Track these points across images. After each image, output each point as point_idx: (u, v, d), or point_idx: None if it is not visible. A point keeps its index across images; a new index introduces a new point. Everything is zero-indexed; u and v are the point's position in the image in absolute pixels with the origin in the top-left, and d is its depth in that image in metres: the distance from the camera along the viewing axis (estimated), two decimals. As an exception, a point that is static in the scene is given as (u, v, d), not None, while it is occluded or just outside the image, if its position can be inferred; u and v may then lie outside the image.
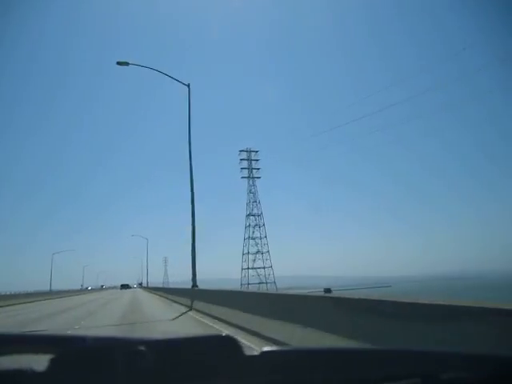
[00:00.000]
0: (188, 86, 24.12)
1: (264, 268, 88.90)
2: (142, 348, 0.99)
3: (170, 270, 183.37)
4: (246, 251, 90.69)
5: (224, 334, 1.10)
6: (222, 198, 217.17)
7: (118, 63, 23.03)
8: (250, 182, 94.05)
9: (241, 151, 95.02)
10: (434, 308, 4.03)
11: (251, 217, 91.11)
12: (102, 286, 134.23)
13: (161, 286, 78.83)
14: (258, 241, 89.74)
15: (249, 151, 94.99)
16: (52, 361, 0.96)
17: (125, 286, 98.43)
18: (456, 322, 3.52)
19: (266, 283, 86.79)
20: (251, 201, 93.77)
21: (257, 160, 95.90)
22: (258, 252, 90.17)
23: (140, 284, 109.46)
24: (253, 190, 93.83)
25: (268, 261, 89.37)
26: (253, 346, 1.13)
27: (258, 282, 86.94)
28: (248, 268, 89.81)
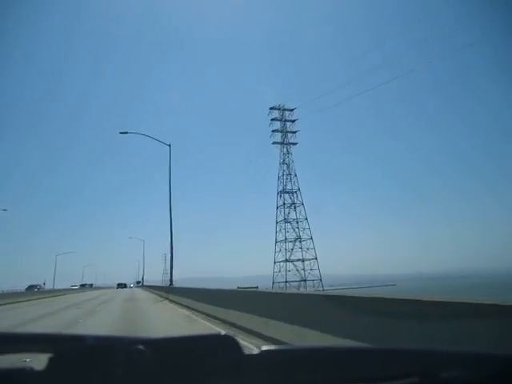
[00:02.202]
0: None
1: (304, 261, 70.26)
2: (141, 347, 0.99)
3: (168, 268, 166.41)
4: (279, 238, 72.21)
5: (223, 333, 1.10)
6: (248, 172, 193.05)
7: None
8: (284, 150, 75.15)
9: (271, 109, 75.92)
10: (433, 306, 4.14)
11: (285, 194, 72.90)
12: (91, 284, 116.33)
13: (159, 284, 71.37)
14: (295, 224, 71.70)
15: (282, 109, 75.78)
16: (51, 360, 0.97)
17: (121, 286, 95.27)
18: (456, 321, 3.58)
19: (306, 281, 69.67)
20: (284, 173, 75.37)
21: (292, 121, 76.24)
22: (296, 239, 71.56)
23: (138, 283, 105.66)
24: (287, 160, 74.57)
25: (311, 251, 70.66)
26: (251, 346, 1.18)
27: (298, 279, 70.17)
28: (286, 260, 70.71)
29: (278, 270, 69.64)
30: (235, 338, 1.07)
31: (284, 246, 69.80)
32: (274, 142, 72.59)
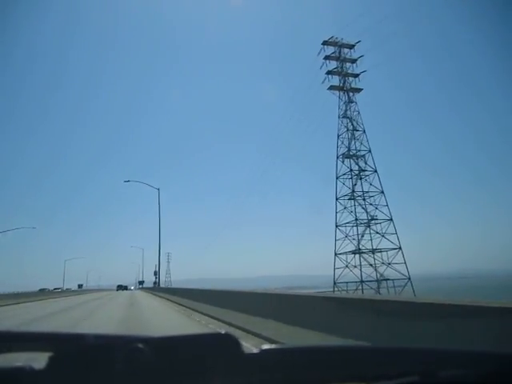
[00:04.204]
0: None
1: (381, 252, 49.02)
2: (141, 346, 0.99)
3: (170, 268, 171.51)
4: (342, 221, 51.28)
5: (223, 332, 1.11)
6: (294, 132, 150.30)
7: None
8: (344, 98, 55.62)
9: (325, 44, 55.77)
10: (432, 307, 4.23)
11: (349, 159, 52.84)
12: (81, 285, 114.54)
13: (162, 285, 67.36)
14: (363, 201, 51.44)
15: (340, 44, 55.53)
16: (51, 359, 0.98)
17: (121, 287, 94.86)
18: (455, 321, 3.61)
19: (383, 280, 48.22)
20: (348, 129, 54.03)
21: (354, 60, 56.06)
22: (371, 220, 49.55)
23: (141, 283, 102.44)
24: (348, 114, 54.48)
25: (392, 237, 49.32)
26: (250, 346, 1.21)
27: (371, 277, 48.84)
28: (356, 252, 49.80)
29: (340, 266, 47.12)
30: (235, 336, 1.07)
31: (350, 232, 47.57)
32: (331, 87, 52.03)
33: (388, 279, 45.39)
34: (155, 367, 1.00)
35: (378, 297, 6.80)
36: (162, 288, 44.52)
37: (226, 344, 1.07)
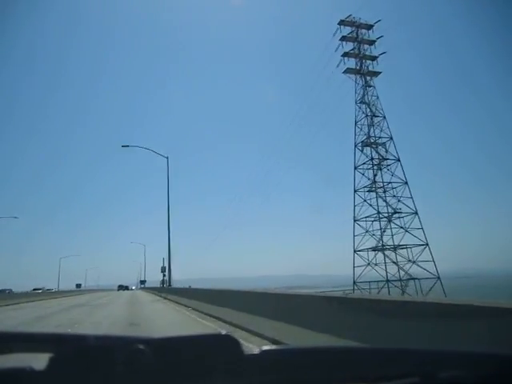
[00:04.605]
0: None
1: (407, 248, 45.68)
2: (142, 347, 1.01)
3: (175, 268, 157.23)
4: (361, 215, 47.91)
5: (224, 333, 1.13)
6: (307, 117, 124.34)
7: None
8: (362, 82, 51.57)
9: (341, 24, 52.03)
10: (432, 306, 4.18)
11: (368, 148, 48.69)
12: (80, 285, 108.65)
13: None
14: (383, 193, 47.11)
15: (357, 25, 51.99)
16: (52, 359, 0.99)
17: (122, 288, 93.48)
18: (455, 321, 3.59)
19: (410, 279, 43.58)
20: (367, 114, 49.90)
21: (372, 42, 52.17)
22: (394, 214, 46.46)
23: (142, 283, 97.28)
24: (366, 99, 50.49)
25: (417, 233, 45.55)
26: (251, 346, 1.21)
27: (394, 276, 44.28)
28: (378, 248, 46.42)
29: (360, 264, 43.07)
30: (236, 337, 1.08)
31: (370, 227, 43.34)
32: (347, 70, 48.53)
33: (415, 278, 41.08)
34: (156, 368, 1.00)
35: (378, 297, 6.82)
36: (175, 289, 31.61)
37: (227, 345, 1.07)
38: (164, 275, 40.36)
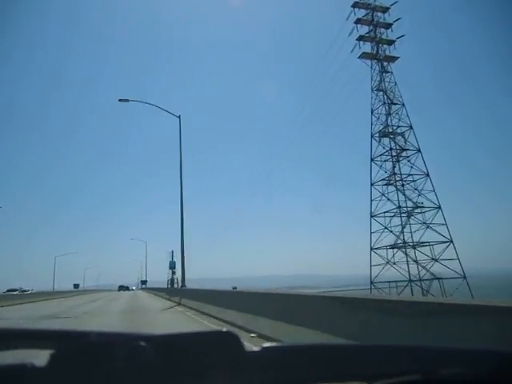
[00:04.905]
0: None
1: (430, 244, 42.73)
2: (143, 344, 1.02)
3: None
4: (378, 210, 44.81)
5: (225, 330, 1.13)
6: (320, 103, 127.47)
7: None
8: (378, 68, 48.60)
9: (355, 6, 49.30)
10: (433, 306, 4.26)
11: (386, 139, 45.67)
12: (76, 285, 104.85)
13: (164, 286, 52.93)
14: (402, 186, 43.84)
15: (372, 7, 49.12)
16: (53, 356, 1.01)
17: (123, 288, 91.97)
18: (456, 320, 3.67)
19: (434, 279, 40.50)
20: (385, 102, 46.88)
21: (389, 25, 49.47)
22: (416, 208, 43.19)
23: (143, 282, 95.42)
24: (382, 86, 47.51)
25: (441, 229, 42.95)
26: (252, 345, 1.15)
27: (413, 276, 40.64)
28: (398, 246, 43.32)
29: (378, 263, 39.97)
30: (236, 334, 1.09)
31: (388, 223, 40.35)
32: (362, 54, 45.29)
33: (440, 278, 37.96)
34: (157, 365, 1.01)
35: (382, 296, 7.00)
36: (190, 291, 23.24)
37: (227, 342, 1.08)
38: (173, 272, 33.96)
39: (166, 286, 47.56)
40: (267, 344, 1.12)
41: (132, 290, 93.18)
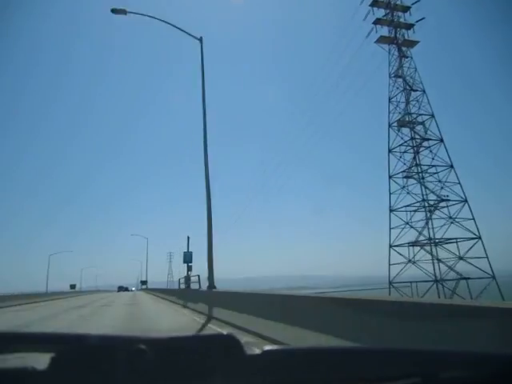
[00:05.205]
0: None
1: (457, 241, 39.24)
2: (144, 347, 1.04)
3: (174, 269, 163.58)
4: (397, 204, 41.52)
5: (226, 333, 1.15)
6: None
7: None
8: (396, 53, 44.97)
9: None
10: (434, 307, 4.22)
11: (404, 128, 42.41)
12: (73, 285, 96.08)
13: (163, 287, 57.16)
14: (423, 179, 40.25)
15: None
16: (53, 359, 1.03)
17: (122, 289, 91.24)
18: (457, 322, 3.63)
19: (461, 279, 36.80)
20: (405, 88, 43.69)
21: (407, 8, 46.31)
22: (441, 201, 39.16)
23: (143, 283, 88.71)
24: (400, 72, 44.35)
25: (468, 224, 39.51)
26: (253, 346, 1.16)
27: (430, 276, 37.39)
28: (418, 243, 39.59)
29: (397, 262, 36.93)
30: (237, 337, 1.11)
31: (410, 219, 37.09)
32: (380, 38, 41.79)
33: (468, 277, 34.84)
34: (157, 368, 1.03)
35: (380, 298, 6.08)
36: (219, 294, 15.19)
37: (228, 345, 1.10)
38: (189, 268, 22.33)
39: (166, 287, 42.86)
40: (268, 347, 1.13)
41: (131, 290, 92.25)
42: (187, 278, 23.78)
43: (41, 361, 1.02)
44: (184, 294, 22.62)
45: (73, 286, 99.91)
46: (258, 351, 1.10)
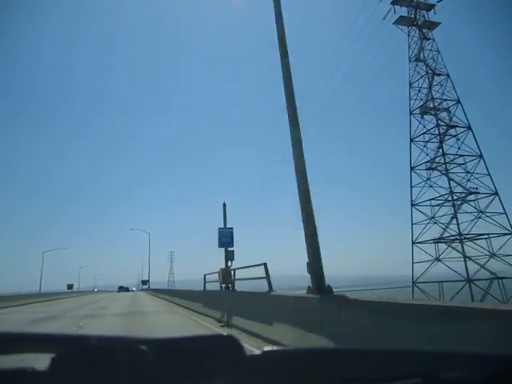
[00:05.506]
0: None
1: (489, 237, 36.19)
2: (143, 347, 1.05)
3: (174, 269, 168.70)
4: (419, 199, 39.02)
5: (225, 334, 1.17)
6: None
7: None
8: (416, 35, 42.48)
9: None
10: (434, 309, 4.17)
11: (428, 115, 39.34)
12: (70, 285, 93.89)
13: (163, 287, 53.78)
14: (447, 171, 37.19)
15: None
16: (54, 360, 1.04)
17: (123, 289, 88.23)
18: (457, 323, 3.53)
19: (495, 278, 33.60)
20: (428, 72, 40.70)
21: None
22: (469, 194, 36.66)
23: (144, 283, 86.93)
24: (422, 56, 41.60)
25: (500, 219, 36.53)
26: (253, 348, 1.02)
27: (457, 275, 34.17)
28: (444, 240, 36.34)
29: (420, 260, 33.84)
30: (237, 338, 1.13)
31: (435, 213, 34.08)
32: (399, 18, 38.49)
33: (504, 277, 31.94)
34: (157, 369, 1.04)
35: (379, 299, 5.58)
36: (247, 295, 11.89)
37: (228, 345, 1.11)
38: (229, 255, 14.23)
39: (167, 287, 38.70)
40: (268, 348, 1.14)
41: (132, 291, 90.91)
42: (226, 274, 14.33)
43: (41, 361, 1.02)
44: (220, 301, 13.65)
45: (70, 286, 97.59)
46: (258, 352, 1.10)
